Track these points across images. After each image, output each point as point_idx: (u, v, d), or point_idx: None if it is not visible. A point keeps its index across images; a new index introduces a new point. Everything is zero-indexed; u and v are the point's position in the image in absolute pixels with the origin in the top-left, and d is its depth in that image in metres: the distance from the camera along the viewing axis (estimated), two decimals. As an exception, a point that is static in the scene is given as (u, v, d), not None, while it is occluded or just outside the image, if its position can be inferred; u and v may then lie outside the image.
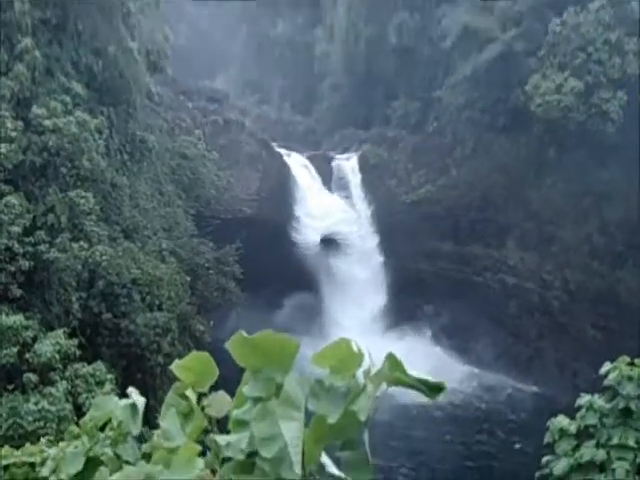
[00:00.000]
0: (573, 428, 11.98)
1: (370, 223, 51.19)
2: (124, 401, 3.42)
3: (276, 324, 44.32)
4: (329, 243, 50.13)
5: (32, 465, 5.92)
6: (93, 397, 26.76)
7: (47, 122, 31.85)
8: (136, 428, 3.27)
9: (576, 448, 11.78)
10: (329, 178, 51.11)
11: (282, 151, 51.45)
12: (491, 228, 50.57)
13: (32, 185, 32.28)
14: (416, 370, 2.59)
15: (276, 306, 48.53)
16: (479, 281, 50.61)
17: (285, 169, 50.48)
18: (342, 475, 2.51)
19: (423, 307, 50.91)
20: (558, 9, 47.81)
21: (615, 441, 11.64)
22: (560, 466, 11.74)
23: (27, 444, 6.18)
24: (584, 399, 12.05)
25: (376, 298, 50.27)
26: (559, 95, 45.88)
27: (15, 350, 27.04)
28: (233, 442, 2.53)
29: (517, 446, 38.80)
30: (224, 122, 51.49)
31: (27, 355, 27.45)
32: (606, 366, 12.05)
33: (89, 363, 29.09)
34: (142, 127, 40.95)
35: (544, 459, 12.04)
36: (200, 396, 2.90)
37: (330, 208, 50.16)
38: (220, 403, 2.86)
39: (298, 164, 50.61)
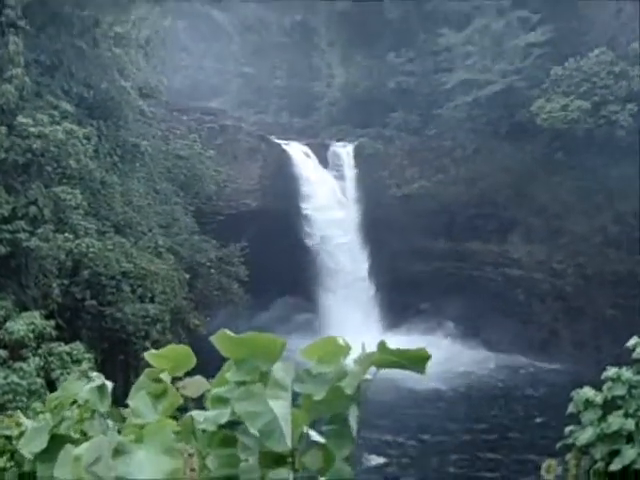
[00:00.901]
0: (599, 399, 12.02)
1: (357, 215, 50.59)
2: (92, 383, 3.42)
3: (273, 324, 44.01)
4: (327, 240, 49.86)
5: (8, 438, 5.93)
6: (68, 373, 27.46)
7: (32, 129, 32.08)
8: (104, 407, 3.29)
9: (602, 418, 11.85)
10: (325, 162, 51.16)
11: (281, 142, 51.33)
12: (492, 224, 49.99)
13: (13, 180, 32.68)
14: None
15: (274, 305, 48.04)
16: (478, 275, 50.08)
17: (285, 155, 50.23)
18: (325, 444, 2.72)
19: (419, 305, 50.28)
20: (559, 61, 48.12)
21: (644, 410, 11.80)
22: (585, 435, 11.79)
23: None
24: (611, 371, 12.13)
25: (370, 299, 49.99)
26: (565, 112, 46.00)
27: None
28: (212, 417, 2.73)
29: (538, 420, 38.76)
30: (220, 127, 50.98)
31: (-2, 332, 27.87)
32: (633, 339, 12.24)
33: (66, 343, 29.65)
34: (134, 135, 40.80)
35: (567, 429, 12.14)
36: (174, 380, 3.05)
37: (326, 188, 50.25)
38: (196, 385, 3.02)
39: (297, 150, 50.63)
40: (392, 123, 53.61)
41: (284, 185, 48.88)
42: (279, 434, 2.58)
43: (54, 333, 29.41)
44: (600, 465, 11.31)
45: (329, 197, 50.48)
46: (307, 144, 51.47)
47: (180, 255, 40.35)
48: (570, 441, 11.91)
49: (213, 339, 2.81)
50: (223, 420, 2.69)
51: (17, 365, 27.23)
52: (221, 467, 2.68)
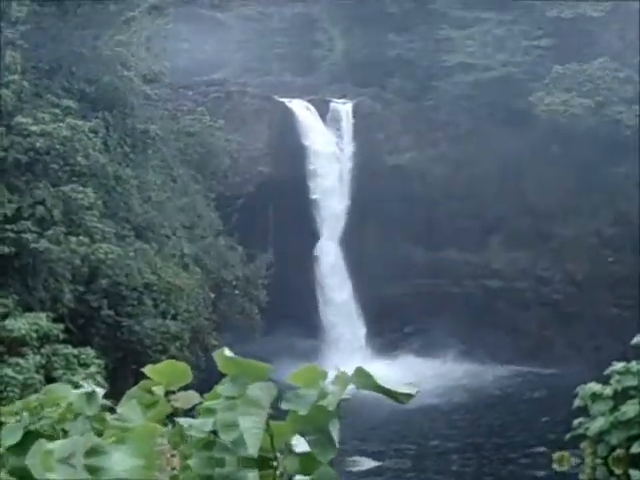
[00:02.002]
0: (609, 391, 12.65)
1: (348, 190, 50.24)
2: (82, 389, 3.59)
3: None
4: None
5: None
6: (72, 374, 27.48)
7: (34, 128, 31.51)
8: (91, 411, 3.43)
9: (614, 408, 12.37)
10: (325, 118, 51.60)
11: (284, 99, 51.90)
12: (473, 224, 48.80)
13: (16, 179, 32.00)
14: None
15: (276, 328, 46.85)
16: (457, 291, 49.11)
17: (289, 113, 50.71)
18: (309, 451, 3.11)
19: (403, 329, 49.91)
20: (561, 62, 47.91)
21: (661, 398, 12.03)
22: (597, 425, 12.35)
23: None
24: (618, 365, 12.77)
25: (357, 329, 49.56)
26: (565, 107, 45.53)
27: None
28: (197, 425, 3.10)
29: (544, 419, 38.81)
30: (226, 94, 51.05)
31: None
32: (639, 336, 12.46)
33: (75, 348, 29.30)
34: (142, 120, 39.87)
35: (576, 421, 12.31)
36: (169, 393, 3.39)
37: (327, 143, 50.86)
38: (187, 397, 3.36)
39: (300, 107, 51.38)
40: (391, 87, 53.30)
41: (291, 143, 49.15)
42: (245, 444, 2.94)
43: (62, 336, 29.02)
44: (620, 452, 11.57)
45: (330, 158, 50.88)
46: (309, 100, 52.11)
47: (207, 269, 39.46)
48: (580, 432, 12.13)
49: (215, 355, 3.25)
50: (207, 428, 3.04)
51: (13, 360, 27.09)
52: (201, 467, 3.02)
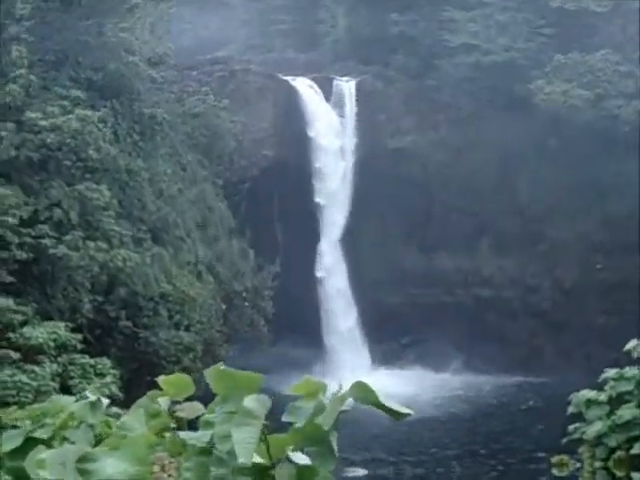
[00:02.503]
0: (604, 397, 12.86)
1: (350, 178, 50.50)
2: (86, 399, 3.72)
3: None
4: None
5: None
6: (88, 383, 27.67)
7: (43, 122, 31.46)
8: (94, 419, 3.59)
9: (611, 413, 12.61)
10: (329, 96, 51.71)
11: (288, 77, 51.90)
12: (465, 224, 49.14)
13: (30, 179, 31.78)
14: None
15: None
16: (450, 301, 49.67)
17: (293, 92, 50.65)
18: (308, 462, 3.25)
19: (401, 340, 50.36)
20: (563, 51, 47.96)
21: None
22: (594, 429, 12.55)
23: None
24: (611, 372, 13.00)
25: (356, 343, 50.22)
26: (565, 97, 45.40)
27: None
28: (197, 436, 3.25)
29: (540, 427, 38.94)
30: (230, 73, 51.02)
31: (10, 335, 27.97)
32: (632, 342, 13.02)
33: (92, 358, 29.43)
34: (149, 105, 39.90)
35: (572, 426, 12.53)
36: (175, 403, 3.52)
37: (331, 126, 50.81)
38: (191, 408, 3.48)
39: (304, 85, 51.28)
40: (394, 64, 53.34)
41: (296, 130, 49.25)
42: (239, 455, 3.07)
43: (80, 346, 29.12)
44: (620, 453, 11.78)
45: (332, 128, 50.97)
46: (312, 78, 52.11)
47: (220, 278, 39.71)
48: (576, 436, 12.36)
49: (206, 373, 3.33)
50: (205, 440, 3.18)
51: (28, 367, 27.24)
52: (197, 475, 3.16)
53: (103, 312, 32.28)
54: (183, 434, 3.28)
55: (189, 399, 3.48)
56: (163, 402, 3.45)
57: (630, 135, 44.25)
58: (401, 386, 43.80)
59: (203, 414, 3.35)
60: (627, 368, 12.87)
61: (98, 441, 3.37)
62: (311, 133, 49.79)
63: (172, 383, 3.50)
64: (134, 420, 3.40)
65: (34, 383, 26.60)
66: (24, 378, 26.55)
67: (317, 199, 49.82)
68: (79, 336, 29.32)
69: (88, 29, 37.21)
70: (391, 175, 49.15)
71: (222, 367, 3.35)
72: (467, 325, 48.29)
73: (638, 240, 44.42)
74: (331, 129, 50.86)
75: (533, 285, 48.84)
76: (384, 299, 49.49)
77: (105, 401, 3.60)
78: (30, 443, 3.43)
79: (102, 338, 32.46)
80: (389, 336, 49.07)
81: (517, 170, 48.71)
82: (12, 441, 3.43)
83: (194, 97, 46.19)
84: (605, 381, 12.91)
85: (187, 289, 35.04)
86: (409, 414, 3.37)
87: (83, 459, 3.00)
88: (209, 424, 3.23)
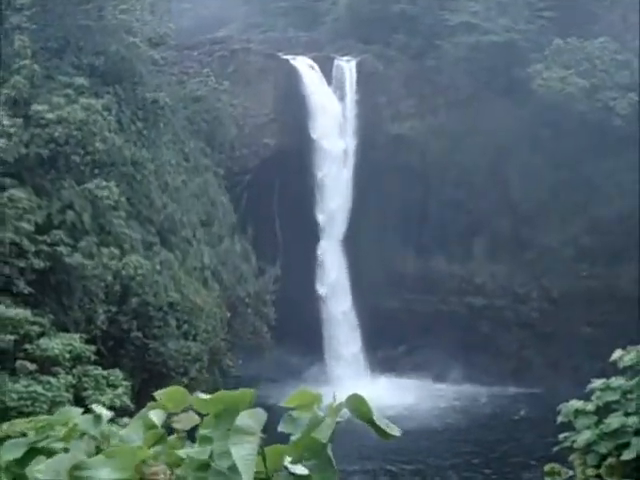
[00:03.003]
0: (591, 407, 13.04)
1: (351, 165, 50.50)
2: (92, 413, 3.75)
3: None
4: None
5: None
6: (101, 395, 28.00)
7: (50, 115, 31.53)
8: (95, 431, 3.58)
9: (599, 422, 12.79)
10: (330, 79, 51.53)
11: (288, 56, 51.64)
12: (458, 224, 49.47)
13: (41, 179, 31.77)
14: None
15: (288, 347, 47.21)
16: (445, 309, 50.17)
17: (294, 73, 50.32)
18: (306, 474, 3.27)
19: (398, 348, 50.70)
20: (562, 35, 47.92)
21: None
22: (584, 437, 12.70)
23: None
24: (598, 382, 13.21)
25: (356, 339, 50.57)
26: (562, 84, 45.30)
27: (11, 338, 27.67)
28: (196, 452, 3.27)
29: (532, 436, 39.40)
30: (230, 53, 50.89)
31: (27, 346, 28.14)
32: (617, 353, 13.28)
33: (105, 369, 29.60)
34: (151, 89, 40.03)
35: (562, 435, 12.84)
36: (172, 415, 3.54)
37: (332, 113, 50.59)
38: (187, 419, 3.51)
39: (305, 65, 50.95)
40: (394, 44, 53.26)
41: (297, 110, 49.16)
42: (239, 472, 3.10)
43: (93, 358, 29.31)
44: (612, 460, 12.01)
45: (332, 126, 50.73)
46: (313, 57, 51.84)
47: (224, 284, 39.97)
48: (566, 444, 12.62)
49: (193, 401, 3.40)
50: (204, 456, 3.22)
51: (44, 378, 27.45)
52: None
53: (116, 323, 32.45)
54: (182, 452, 3.31)
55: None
56: (157, 415, 3.49)
57: (622, 130, 44.33)
58: (399, 396, 44.48)
59: (198, 425, 3.36)
60: (613, 378, 13.17)
61: (98, 452, 3.39)
62: (314, 135, 49.58)
63: (170, 396, 3.53)
64: (132, 432, 3.46)
65: (49, 394, 26.81)
66: (39, 389, 26.77)
67: (319, 216, 49.99)
68: (93, 348, 29.49)
69: (88, 13, 37.30)
70: (390, 165, 49.36)
71: (201, 395, 3.39)
72: (462, 334, 48.71)
73: (625, 246, 44.88)
74: (334, 123, 50.41)
75: (522, 294, 49.26)
76: (382, 304, 49.91)
77: (108, 414, 3.65)
78: (32, 454, 3.46)
79: (115, 349, 32.65)
80: (387, 343, 49.48)
81: (510, 162, 48.91)
82: (14, 450, 3.47)
83: (195, 79, 46.24)
84: (592, 391, 13.20)
85: (194, 297, 35.30)
86: (397, 435, 3.35)
87: (77, 467, 3.09)
88: (207, 439, 3.25)
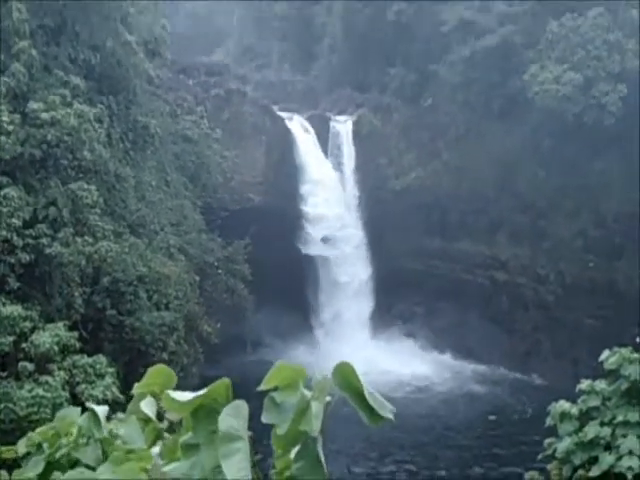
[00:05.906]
0: (575, 411, 12.79)
1: (357, 214, 50.69)
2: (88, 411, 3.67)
3: (269, 330, 45.13)
4: (327, 241, 50.08)
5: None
6: (92, 388, 28.01)
7: (45, 115, 31.87)
8: (99, 433, 3.53)
9: (579, 429, 12.54)
10: (326, 143, 51.18)
11: (284, 115, 51.28)
12: (481, 221, 50.26)
13: (31, 177, 32.33)
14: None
15: (272, 308, 46.75)
16: (468, 279, 50.36)
17: (289, 137, 50.09)
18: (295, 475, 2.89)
19: (414, 308, 50.78)
20: (556, 14, 47.70)
21: (620, 419, 12.36)
22: (564, 445, 12.46)
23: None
24: (585, 384, 12.98)
25: (366, 300, 50.29)
26: (557, 85, 45.47)
27: (11, 339, 27.86)
28: (185, 470, 2.93)
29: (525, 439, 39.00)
30: (226, 94, 50.64)
31: (24, 345, 28.19)
32: (605, 353, 13.06)
33: (89, 356, 29.68)
34: (144, 112, 40.18)
35: (546, 441, 12.57)
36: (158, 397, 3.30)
37: (327, 188, 50.45)
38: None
39: (300, 129, 50.57)
40: (390, 85, 53.09)
41: (287, 177, 49.20)
42: None
43: (78, 345, 29.40)
44: (581, 473, 11.81)
45: (329, 195, 50.73)
46: (308, 118, 51.61)
47: (190, 255, 40.29)
48: (549, 452, 12.40)
49: (164, 399, 3.06)
50: (195, 473, 2.89)
51: (43, 379, 27.57)
52: None
53: (92, 304, 32.86)
54: (169, 469, 2.99)
55: (178, 388, 3.16)
56: (149, 405, 3.30)
57: (612, 129, 44.65)
58: (397, 364, 44.20)
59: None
60: (598, 381, 12.94)
61: (105, 457, 3.37)
62: (305, 207, 49.49)
63: (155, 379, 3.31)
64: (131, 432, 3.31)
65: (49, 395, 26.94)
66: (41, 392, 26.90)
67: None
68: (76, 334, 29.65)
69: None
70: (398, 210, 49.91)
71: (171, 394, 3.05)
72: (480, 309, 48.90)
73: (623, 243, 45.64)
74: (330, 195, 50.19)
75: (542, 275, 49.30)
76: (403, 265, 50.06)
77: (105, 409, 3.58)
78: (50, 469, 3.45)
79: (94, 332, 32.90)
80: (399, 305, 49.81)
81: (517, 175, 49.37)
82: (34, 468, 3.46)
83: (189, 117, 45.94)
84: (580, 393, 12.97)
85: (161, 268, 35.64)
86: (388, 419, 2.89)
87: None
88: (191, 448, 2.93)
